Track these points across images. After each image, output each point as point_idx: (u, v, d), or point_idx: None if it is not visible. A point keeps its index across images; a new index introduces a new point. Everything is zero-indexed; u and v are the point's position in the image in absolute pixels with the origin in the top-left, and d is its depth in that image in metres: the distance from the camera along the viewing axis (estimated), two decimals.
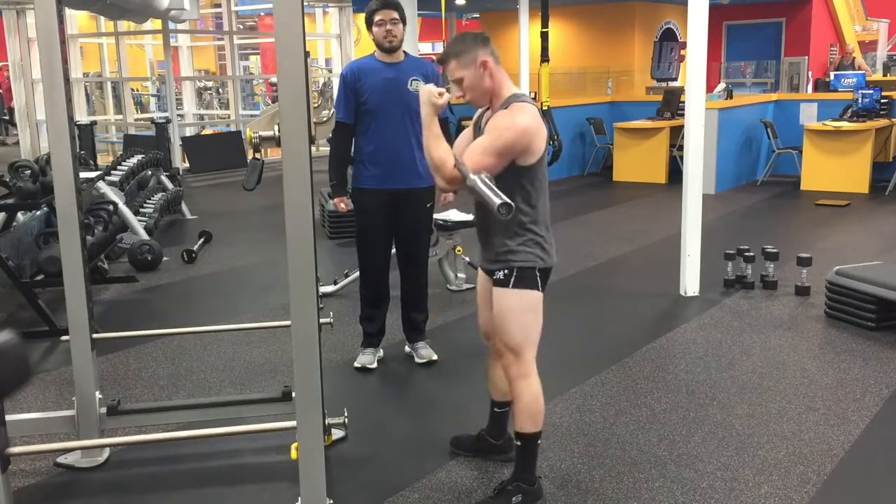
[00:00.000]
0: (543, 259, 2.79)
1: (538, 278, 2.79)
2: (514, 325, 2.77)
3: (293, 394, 2.89)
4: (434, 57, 17.81)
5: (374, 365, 4.18)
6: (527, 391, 2.79)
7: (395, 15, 3.84)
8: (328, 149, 4.15)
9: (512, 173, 2.69)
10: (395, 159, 3.95)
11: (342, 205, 4.16)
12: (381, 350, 4.29)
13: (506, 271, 2.77)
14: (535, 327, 2.80)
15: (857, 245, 6.66)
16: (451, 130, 4.31)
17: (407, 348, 4.34)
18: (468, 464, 3.15)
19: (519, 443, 2.85)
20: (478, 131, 2.84)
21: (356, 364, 4.17)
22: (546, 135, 2.76)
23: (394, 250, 4.22)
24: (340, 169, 4.15)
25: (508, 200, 2.36)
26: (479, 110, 2.91)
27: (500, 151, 2.64)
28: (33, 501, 3.02)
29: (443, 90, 2.75)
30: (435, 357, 4.22)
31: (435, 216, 5.60)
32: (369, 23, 3.89)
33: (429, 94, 2.72)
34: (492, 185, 2.47)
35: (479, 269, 3.00)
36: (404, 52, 3.98)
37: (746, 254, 5.48)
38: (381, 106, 3.91)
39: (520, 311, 2.77)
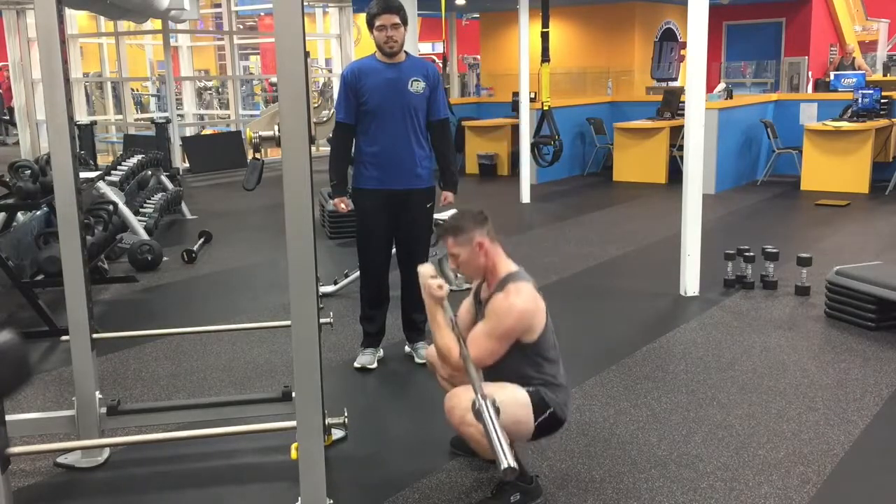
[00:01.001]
0: (555, 405, 2.81)
1: (543, 417, 2.78)
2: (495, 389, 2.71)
3: (293, 394, 2.89)
4: (435, 57, 17.85)
5: (374, 365, 4.19)
6: (477, 436, 2.65)
7: (396, 19, 3.82)
8: (328, 149, 4.16)
9: (519, 350, 2.78)
10: (395, 160, 3.95)
11: (342, 205, 4.17)
12: (381, 350, 4.29)
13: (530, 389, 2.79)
14: (506, 417, 2.64)
15: (857, 245, 6.66)
16: (451, 130, 4.32)
17: (407, 348, 4.34)
18: (468, 464, 3.15)
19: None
20: (477, 302, 2.96)
21: (356, 364, 4.18)
22: (544, 308, 2.84)
23: (394, 251, 4.22)
24: (341, 169, 4.15)
25: (514, 465, 2.31)
26: (476, 282, 3.01)
27: (501, 337, 2.75)
28: (33, 501, 3.02)
29: (442, 282, 2.87)
30: None
31: (435, 216, 5.61)
32: (370, 26, 3.89)
33: (428, 287, 2.84)
34: (500, 433, 2.39)
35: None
36: (405, 52, 3.97)
37: (746, 254, 5.48)
38: (381, 106, 3.91)
39: (511, 396, 2.74)
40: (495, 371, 2.80)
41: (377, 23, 3.83)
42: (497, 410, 2.48)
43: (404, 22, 3.87)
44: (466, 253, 2.86)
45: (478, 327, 2.82)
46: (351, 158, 4.14)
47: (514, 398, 2.75)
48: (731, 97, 10.33)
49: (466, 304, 3.07)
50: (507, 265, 2.90)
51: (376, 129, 3.94)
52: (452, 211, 5.55)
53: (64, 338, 3.23)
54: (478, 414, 2.47)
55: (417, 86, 3.92)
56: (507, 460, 2.30)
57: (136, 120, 14.39)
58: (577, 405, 3.68)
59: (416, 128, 3.98)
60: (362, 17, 17.04)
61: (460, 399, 2.68)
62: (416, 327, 4.29)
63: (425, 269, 2.93)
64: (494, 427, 2.41)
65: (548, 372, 2.85)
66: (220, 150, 12.39)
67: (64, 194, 3.03)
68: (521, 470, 2.86)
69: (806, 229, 7.51)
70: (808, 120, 9.96)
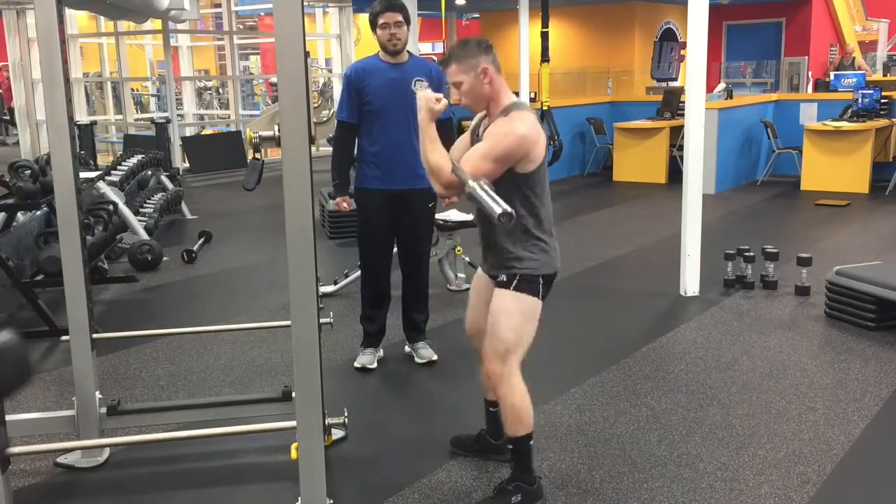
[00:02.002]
0: (548, 264, 2.80)
1: (541, 285, 2.79)
2: (506, 327, 2.76)
3: (293, 394, 2.89)
4: (435, 57, 17.83)
5: (374, 365, 4.19)
6: (510, 395, 2.77)
7: (400, 17, 3.83)
8: (328, 149, 4.15)
9: (512, 180, 2.69)
10: (398, 160, 3.95)
11: (345, 204, 4.16)
12: (381, 350, 4.29)
13: (508, 276, 2.77)
14: (526, 334, 2.79)
15: (857, 245, 6.66)
16: (454, 131, 4.32)
17: (407, 348, 4.34)
18: (468, 464, 3.15)
19: (511, 446, 2.85)
20: (475, 138, 2.85)
21: (356, 364, 4.18)
22: (545, 142, 2.76)
23: (395, 250, 4.22)
24: (343, 169, 4.16)
25: (509, 209, 2.36)
26: (477, 117, 2.91)
27: (498, 158, 2.65)
28: (33, 501, 3.02)
29: (440, 96, 2.75)
30: (435, 357, 4.23)
31: (437, 216, 5.61)
32: (373, 24, 3.89)
33: (426, 100, 2.73)
34: (492, 192, 2.47)
35: (479, 269, 3.00)
36: (409, 52, 3.98)
37: (746, 254, 5.48)
38: (385, 106, 3.91)
39: (516, 314, 2.77)
40: (494, 225, 2.62)
41: (380, 21, 3.84)
42: (489, 185, 2.52)
43: (407, 21, 3.88)
44: (470, 80, 2.74)
45: (474, 147, 2.73)
46: (353, 158, 4.14)
47: (509, 313, 2.76)
48: (731, 97, 10.34)
49: (462, 139, 2.96)
50: (510, 96, 2.81)
51: (379, 130, 3.94)
52: (454, 211, 5.58)
53: (64, 338, 3.23)
54: (471, 190, 2.49)
55: (421, 86, 3.91)
56: (501, 206, 2.36)
57: (136, 120, 14.39)
58: (577, 405, 3.68)
59: (418, 128, 3.96)
60: (362, 17, 17.07)
61: (492, 358, 2.78)
62: (417, 327, 4.29)
63: (426, 92, 2.80)
64: (486, 190, 2.46)
65: (540, 217, 2.78)
66: (220, 150, 12.39)
67: (64, 194, 3.03)
68: (529, 465, 2.86)
69: (806, 229, 7.51)
70: (808, 120, 9.96)
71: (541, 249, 2.79)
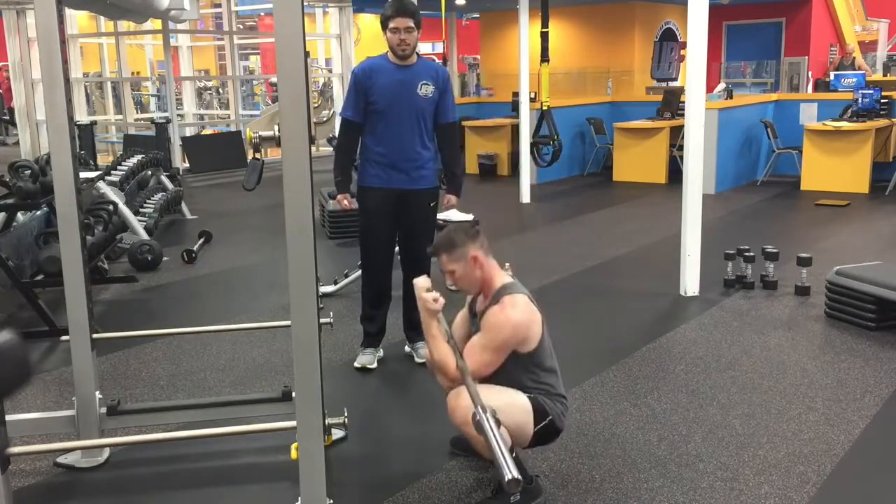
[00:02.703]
0: (559, 417, 2.85)
1: (542, 424, 2.80)
2: (495, 392, 2.73)
3: (293, 394, 2.89)
4: (434, 57, 17.84)
5: (374, 365, 4.19)
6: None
7: (411, 23, 3.84)
8: (328, 149, 4.17)
9: (516, 362, 2.80)
10: (401, 160, 3.97)
11: (346, 202, 4.16)
12: (381, 350, 4.29)
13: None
14: (506, 417, 2.65)
15: (857, 245, 6.66)
16: (458, 134, 4.34)
17: (407, 348, 4.35)
18: (468, 464, 3.15)
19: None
20: (472, 316, 2.98)
21: (356, 364, 4.18)
22: (540, 320, 2.85)
23: (396, 250, 4.22)
24: (346, 166, 4.18)
25: (517, 476, 2.31)
26: (471, 296, 3.02)
27: (496, 349, 2.76)
28: (33, 501, 3.02)
29: (437, 295, 2.85)
30: None
31: (438, 216, 5.61)
32: (384, 26, 3.89)
33: (424, 301, 2.84)
34: (501, 443, 2.39)
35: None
36: (417, 54, 3.99)
37: (746, 254, 5.48)
38: (390, 106, 3.92)
39: (512, 397, 2.77)
40: (494, 380, 2.80)
41: (391, 24, 3.84)
42: (497, 422, 2.48)
43: (418, 26, 3.89)
44: (462, 268, 2.87)
45: (473, 340, 2.83)
46: (355, 157, 4.16)
47: (514, 402, 2.77)
48: (731, 97, 10.33)
49: (461, 316, 3.09)
50: (501, 277, 2.92)
51: (383, 129, 3.95)
52: (454, 211, 5.58)
53: (64, 338, 3.23)
54: (478, 426, 2.47)
55: (427, 89, 3.95)
56: (510, 472, 2.30)
57: (136, 120, 14.39)
58: (577, 405, 3.68)
59: (422, 130, 4.00)
60: (362, 17, 17.08)
61: (462, 398, 2.69)
62: (417, 327, 4.27)
63: (421, 282, 2.92)
64: (496, 438, 2.41)
65: (546, 381, 2.85)
66: (220, 150, 12.38)
67: (64, 194, 3.03)
68: (522, 470, 2.86)
69: (806, 229, 7.51)
70: (808, 120, 9.96)
71: (559, 404, 2.86)
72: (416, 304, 4.24)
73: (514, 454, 2.78)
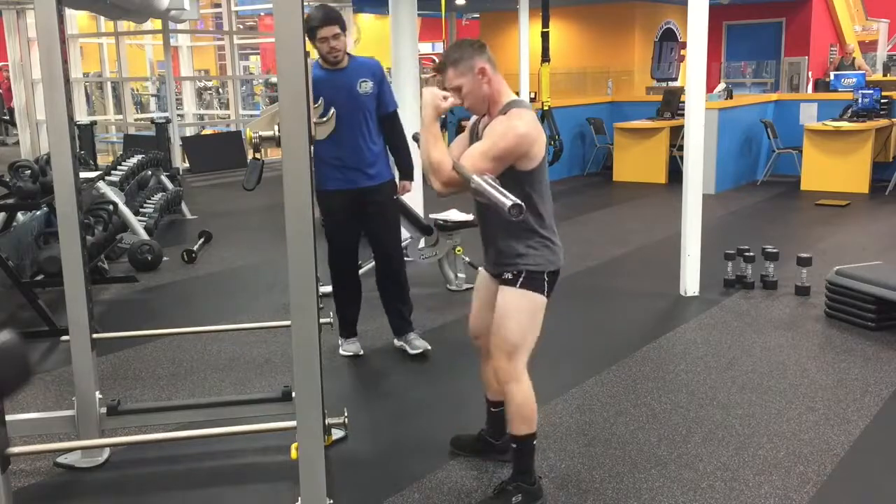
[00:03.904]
0: (552, 261, 2.81)
1: (546, 282, 2.79)
2: (513, 325, 2.77)
3: (293, 394, 2.89)
4: (434, 58, 17.78)
5: (362, 352, 4.33)
6: (518, 394, 2.79)
7: (337, 29, 3.94)
8: None
9: (512, 179, 2.68)
10: (355, 160, 4.09)
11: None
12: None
13: (514, 273, 2.78)
14: (532, 331, 2.80)
15: (857, 245, 6.66)
16: (401, 121, 4.40)
17: (397, 342, 4.40)
18: (468, 464, 3.15)
19: (515, 444, 2.85)
20: (474, 138, 2.84)
21: (345, 352, 4.32)
22: (545, 140, 2.76)
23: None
24: None
25: (518, 201, 2.34)
26: (475, 117, 2.91)
27: (497, 156, 2.64)
28: (33, 501, 3.02)
29: (447, 93, 2.74)
30: (428, 346, 4.31)
31: (435, 216, 5.61)
32: (311, 38, 3.94)
33: (433, 97, 2.72)
34: (497, 185, 2.46)
35: (482, 269, 3.01)
36: (347, 55, 4.07)
37: (746, 254, 5.48)
38: (337, 113, 3.98)
39: (522, 312, 2.77)
40: (491, 210, 2.63)
41: (319, 35, 3.92)
42: (494, 178, 2.51)
43: (343, 29, 3.99)
44: (469, 82, 2.74)
45: (474, 146, 2.72)
46: None
47: (524, 310, 2.76)
48: (731, 97, 10.33)
49: (460, 137, 2.96)
50: (509, 94, 2.80)
51: (335, 134, 4.01)
52: (454, 211, 5.58)
53: (64, 338, 3.23)
54: (477, 185, 2.48)
55: (366, 86, 4.06)
56: (510, 199, 2.33)
57: (136, 120, 14.39)
58: (577, 405, 3.68)
59: (370, 127, 4.12)
60: (362, 17, 17.07)
61: (500, 357, 2.79)
62: (404, 317, 4.38)
63: (432, 88, 2.78)
64: (492, 184, 2.44)
65: (541, 214, 2.78)
66: (220, 150, 12.39)
67: (64, 194, 3.03)
68: (530, 466, 2.86)
69: (806, 229, 7.51)
70: (808, 120, 9.96)
71: (545, 246, 2.79)
72: (399, 297, 4.38)
73: (534, 442, 2.85)
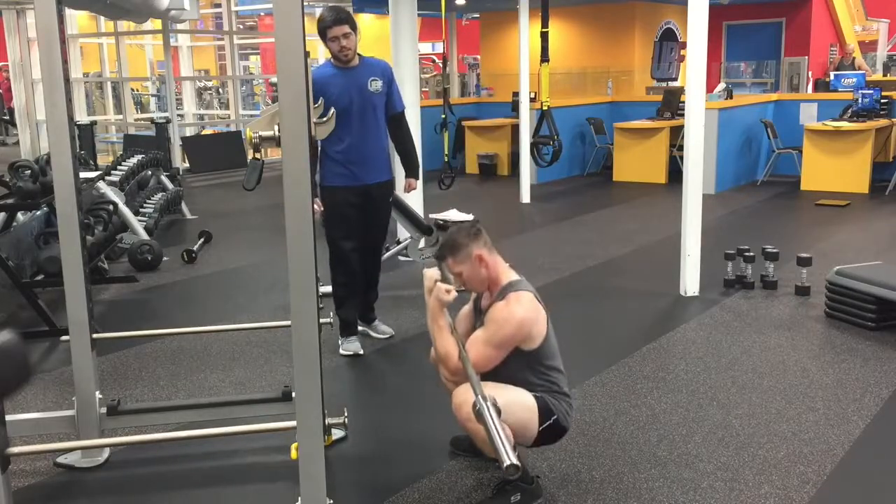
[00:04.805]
0: (565, 416, 2.86)
1: (548, 423, 2.80)
2: (501, 389, 2.73)
3: (293, 394, 2.89)
4: (434, 58, 17.71)
5: (363, 351, 4.35)
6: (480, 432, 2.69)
7: (347, 29, 4.04)
8: None
9: (521, 358, 2.80)
10: (363, 157, 4.20)
11: (314, 206, 4.23)
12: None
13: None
14: (510, 414, 2.68)
15: (857, 245, 6.66)
16: (407, 122, 4.54)
17: (359, 328, 4.52)
18: (468, 464, 3.15)
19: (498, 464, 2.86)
20: (476, 312, 2.97)
21: (345, 352, 4.33)
22: (545, 318, 2.85)
23: None
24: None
25: (516, 462, 2.32)
26: (475, 294, 3.03)
27: (499, 344, 2.76)
28: (33, 501, 3.02)
29: (451, 287, 2.87)
30: (393, 332, 4.56)
31: (435, 216, 5.62)
32: (323, 37, 4.08)
33: (437, 292, 2.84)
34: (500, 427, 2.41)
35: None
36: (358, 55, 4.17)
37: (746, 254, 5.48)
38: (346, 109, 4.10)
39: (518, 395, 2.77)
40: (498, 376, 2.81)
41: (329, 34, 4.04)
42: (498, 411, 2.48)
43: (354, 29, 4.09)
44: (468, 269, 2.89)
45: (477, 333, 2.84)
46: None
47: (519, 400, 2.77)
48: (731, 97, 10.33)
49: (465, 311, 3.09)
50: (508, 274, 2.92)
51: (344, 131, 4.12)
52: (454, 211, 5.59)
53: (64, 338, 3.23)
54: (478, 415, 2.47)
55: (376, 85, 4.17)
56: (509, 458, 2.31)
57: (136, 120, 14.39)
58: (577, 405, 3.67)
59: (378, 125, 4.24)
60: (362, 17, 17.06)
61: (467, 396, 2.68)
62: (371, 306, 4.60)
63: (431, 273, 2.94)
64: (496, 426, 2.41)
65: (551, 379, 2.85)
66: (220, 150, 12.39)
67: (64, 194, 3.03)
68: (523, 470, 2.86)
69: (806, 229, 7.51)
70: (808, 120, 9.96)
71: (564, 403, 2.86)
72: (372, 286, 4.52)
73: (515, 451, 2.78)
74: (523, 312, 2.78)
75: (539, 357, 2.84)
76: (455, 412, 2.77)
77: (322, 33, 4.07)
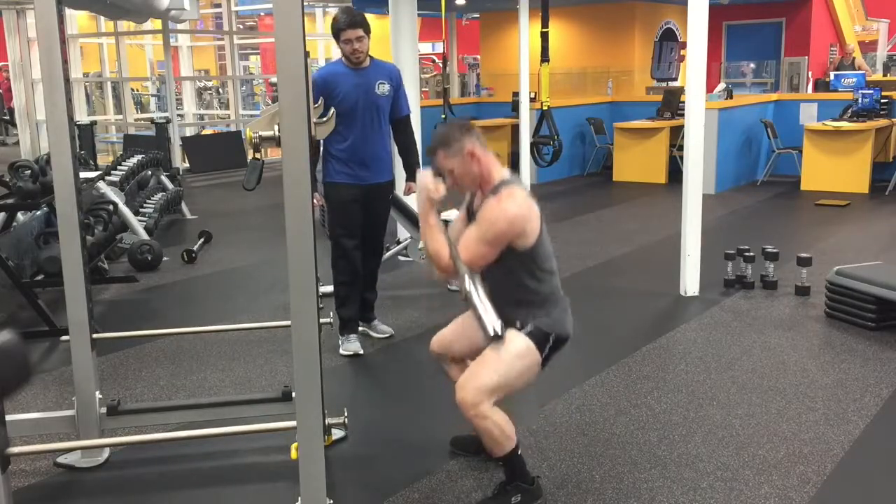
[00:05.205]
0: (561, 324, 2.85)
1: (549, 345, 2.79)
2: (505, 365, 2.72)
3: (293, 394, 2.89)
4: (434, 58, 17.72)
5: (362, 350, 4.36)
6: (491, 428, 2.71)
7: (361, 32, 4.12)
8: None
9: (514, 257, 2.75)
10: (365, 157, 4.25)
11: (314, 201, 4.26)
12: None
13: (522, 321, 2.79)
14: (521, 381, 2.75)
15: (857, 245, 6.66)
16: (412, 126, 4.57)
17: (360, 327, 4.55)
18: (468, 464, 3.15)
19: (500, 462, 2.87)
20: (470, 215, 2.90)
21: (345, 352, 4.33)
22: (538, 215, 2.79)
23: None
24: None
25: (500, 330, 2.37)
26: (469, 196, 2.95)
27: (492, 241, 2.70)
28: (33, 501, 3.02)
29: (440, 184, 2.80)
30: (392, 332, 4.57)
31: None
32: (336, 38, 4.15)
33: (426, 189, 2.78)
34: (485, 302, 2.47)
35: None
36: (370, 57, 4.24)
37: (746, 254, 5.48)
38: (352, 108, 4.16)
39: (522, 358, 2.75)
40: (495, 281, 2.75)
41: (343, 36, 4.11)
42: (484, 288, 2.53)
43: (368, 33, 4.15)
44: (459, 164, 2.79)
45: (469, 231, 2.76)
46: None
47: (515, 352, 2.73)
48: (731, 97, 10.33)
49: (458, 217, 2.99)
50: (500, 172, 2.84)
51: (348, 130, 4.18)
52: (454, 211, 5.58)
53: (64, 338, 3.23)
54: (468, 294, 2.50)
55: (383, 88, 4.24)
56: (494, 326, 2.37)
57: (136, 120, 14.39)
58: (576, 405, 3.68)
59: (381, 126, 4.29)
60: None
61: (468, 391, 2.68)
62: (371, 306, 4.62)
63: (426, 173, 2.83)
64: (481, 300, 2.48)
65: (547, 284, 2.80)
66: (220, 150, 12.39)
67: (64, 194, 3.03)
68: (523, 471, 2.86)
69: (806, 229, 7.51)
70: (808, 120, 9.96)
71: (554, 309, 2.84)
72: (371, 287, 4.54)
73: (518, 451, 2.81)
74: (516, 209, 2.70)
75: (534, 257, 2.76)
76: (460, 407, 2.73)
77: (336, 34, 4.13)
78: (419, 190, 2.81)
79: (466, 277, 2.54)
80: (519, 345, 2.76)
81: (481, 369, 2.72)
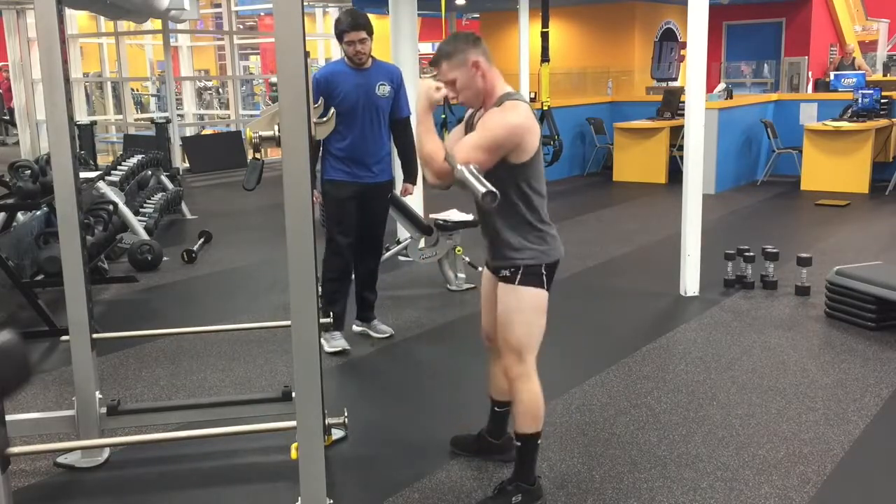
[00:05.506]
0: (548, 253, 2.80)
1: (544, 276, 2.79)
2: (517, 324, 2.77)
3: (293, 394, 2.89)
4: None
5: (349, 346, 4.38)
6: (527, 392, 2.79)
7: (364, 34, 4.13)
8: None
9: (507, 171, 2.68)
10: (364, 156, 4.27)
11: (313, 198, 4.28)
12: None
13: (511, 269, 2.77)
14: (538, 327, 2.81)
15: (857, 245, 6.66)
16: (412, 127, 4.52)
17: (356, 328, 4.60)
18: (468, 464, 3.15)
19: (519, 443, 2.85)
20: (469, 130, 2.82)
21: (331, 349, 4.32)
22: (538, 131, 2.75)
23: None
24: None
25: (493, 189, 2.35)
26: (470, 109, 2.89)
27: (489, 147, 2.62)
28: (33, 501, 3.02)
29: (441, 84, 2.72)
30: (392, 332, 4.57)
31: (434, 216, 5.62)
32: (339, 38, 4.19)
33: (426, 88, 2.70)
34: (478, 174, 2.46)
35: (485, 268, 3.01)
36: (372, 57, 4.26)
37: (746, 254, 5.48)
38: (353, 108, 4.19)
39: (524, 311, 2.77)
40: (494, 217, 2.73)
41: (346, 38, 4.14)
42: (478, 168, 2.51)
43: (370, 34, 4.18)
44: (463, 75, 2.72)
45: (467, 137, 2.70)
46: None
47: (518, 308, 2.76)
48: (731, 97, 10.33)
49: (457, 129, 2.94)
50: (504, 87, 2.79)
51: (347, 129, 4.20)
52: (454, 210, 5.58)
53: (64, 338, 3.23)
54: (459, 174, 2.50)
55: (384, 89, 4.27)
56: (485, 187, 2.35)
57: (136, 120, 14.39)
58: (576, 405, 3.68)
59: (381, 127, 4.31)
60: None
61: (507, 356, 2.80)
62: (371, 306, 4.63)
63: (428, 80, 2.77)
64: (472, 172, 2.46)
65: (537, 211, 2.77)
66: (220, 150, 12.39)
67: (64, 194, 3.03)
68: (531, 467, 2.86)
69: (806, 229, 7.51)
70: (808, 120, 9.96)
71: (541, 239, 2.79)
72: (371, 287, 4.54)
73: (538, 442, 2.85)
74: (517, 118, 2.65)
75: (528, 175, 2.72)
76: (506, 375, 2.82)
77: (339, 36, 4.17)
78: (419, 93, 2.72)
79: (458, 166, 2.49)
80: (523, 302, 2.77)
81: (508, 333, 2.78)
